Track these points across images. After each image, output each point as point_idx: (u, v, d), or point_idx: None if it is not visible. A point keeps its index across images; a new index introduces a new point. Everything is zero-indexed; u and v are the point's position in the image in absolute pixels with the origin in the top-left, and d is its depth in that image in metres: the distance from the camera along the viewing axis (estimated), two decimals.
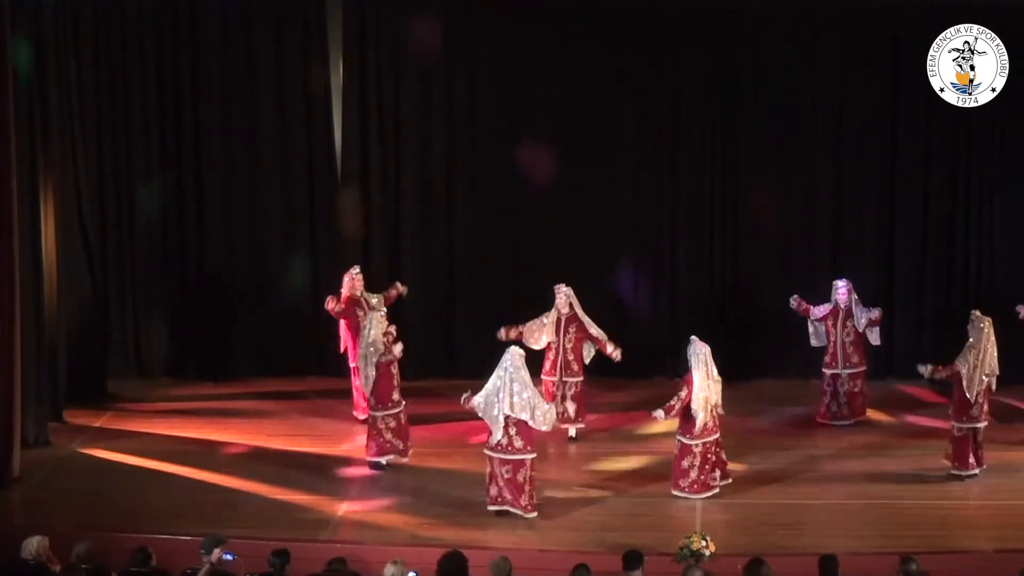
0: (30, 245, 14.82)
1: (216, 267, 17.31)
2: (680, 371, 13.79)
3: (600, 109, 17.00)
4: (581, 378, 15.23)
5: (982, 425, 13.82)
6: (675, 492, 13.42)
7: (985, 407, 13.84)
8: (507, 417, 12.99)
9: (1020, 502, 13.37)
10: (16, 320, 14.01)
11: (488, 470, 13.18)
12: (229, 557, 10.33)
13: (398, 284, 15.86)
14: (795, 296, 15.81)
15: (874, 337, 15.58)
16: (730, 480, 13.58)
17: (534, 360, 14.65)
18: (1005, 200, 16.86)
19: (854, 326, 15.50)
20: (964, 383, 13.70)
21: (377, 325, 14.23)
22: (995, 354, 13.85)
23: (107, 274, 17.06)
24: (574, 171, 17.09)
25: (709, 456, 13.33)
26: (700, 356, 13.25)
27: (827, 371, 15.59)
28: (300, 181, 17.25)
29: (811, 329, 15.74)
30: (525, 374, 13.06)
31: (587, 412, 15.40)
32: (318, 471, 14.35)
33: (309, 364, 17.46)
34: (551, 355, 15.26)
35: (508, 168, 17.14)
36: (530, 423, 13.02)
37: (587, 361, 15.26)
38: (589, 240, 17.05)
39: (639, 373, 16.55)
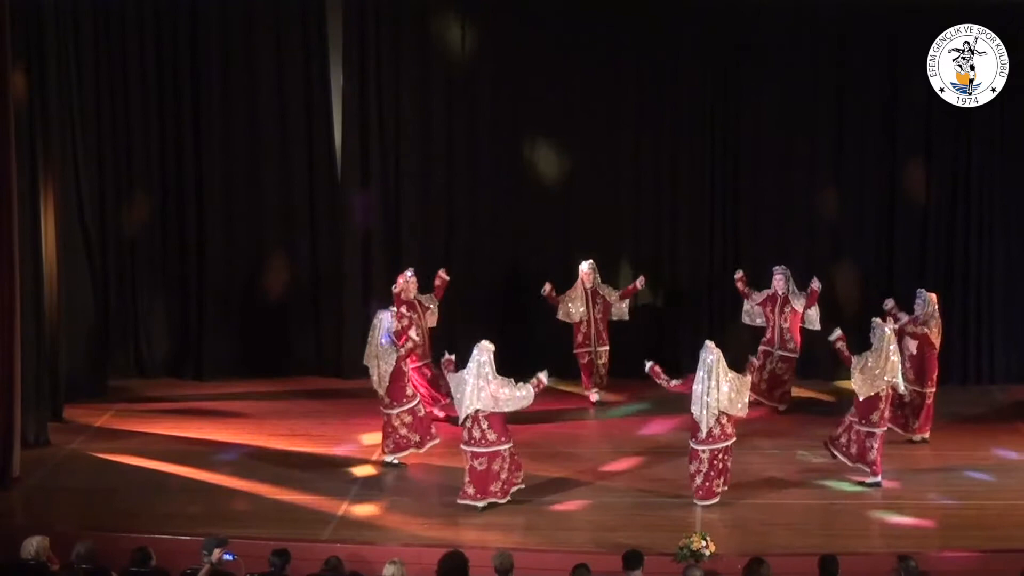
0: (30, 245, 14.82)
1: (216, 267, 17.31)
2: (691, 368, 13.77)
3: (600, 107, 17.02)
4: (608, 346, 16.19)
5: (880, 431, 13.70)
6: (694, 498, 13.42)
7: (886, 413, 13.78)
8: (477, 411, 13.06)
9: (1020, 502, 13.38)
10: (16, 320, 14.00)
11: (464, 466, 13.25)
12: (229, 557, 10.33)
13: (441, 273, 15.78)
14: (740, 270, 16.09)
15: (812, 321, 15.76)
16: (726, 488, 13.43)
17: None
18: (1005, 199, 16.87)
19: (792, 312, 15.74)
20: (852, 373, 13.67)
21: (391, 320, 14.25)
22: (898, 362, 13.70)
23: (107, 274, 17.06)
24: (574, 168, 17.13)
25: (716, 464, 13.26)
26: (705, 362, 13.18)
27: (763, 347, 15.92)
28: (300, 181, 17.25)
29: (745, 306, 16.15)
30: (490, 369, 13.07)
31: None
32: (318, 471, 14.35)
33: (309, 364, 17.47)
34: (583, 328, 16.09)
35: (508, 166, 17.18)
36: (494, 409, 13.05)
37: (618, 318, 16.25)
38: (589, 237, 17.05)
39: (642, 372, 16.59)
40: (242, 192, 17.29)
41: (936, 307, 14.95)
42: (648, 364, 13.60)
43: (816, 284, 15.67)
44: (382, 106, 17.09)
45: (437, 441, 14.46)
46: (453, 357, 13.53)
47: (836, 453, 13.92)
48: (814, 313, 15.81)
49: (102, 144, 16.87)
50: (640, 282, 16.17)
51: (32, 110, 14.99)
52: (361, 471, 14.35)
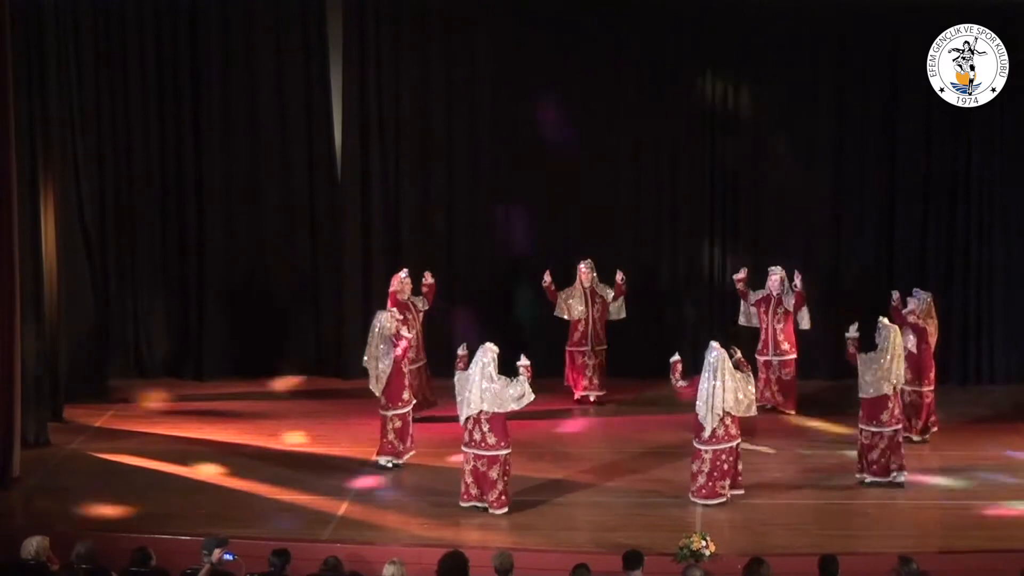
0: (30, 245, 14.82)
1: (216, 267, 17.32)
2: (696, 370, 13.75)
3: (600, 107, 17.00)
4: (606, 346, 16.20)
5: (887, 430, 13.68)
6: (689, 495, 13.38)
7: (896, 412, 13.75)
8: (479, 412, 13.04)
9: (1020, 502, 13.37)
10: (16, 320, 14.00)
11: (463, 467, 13.24)
12: (229, 557, 10.32)
13: (426, 277, 15.72)
14: (744, 269, 16.05)
15: (804, 320, 15.80)
16: (741, 492, 13.43)
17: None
18: (1005, 199, 16.86)
19: (785, 313, 15.76)
20: (859, 368, 13.67)
21: (387, 323, 14.25)
22: (902, 364, 13.72)
23: (107, 274, 17.06)
24: (574, 168, 17.11)
25: (719, 464, 13.25)
26: (710, 363, 13.18)
27: (760, 358, 15.89)
28: (300, 181, 17.25)
29: (742, 307, 16.15)
30: (493, 369, 13.06)
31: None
32: (318, 471, 14.34)
33: (309, 364, 17.46)
34: (580, 327, 16.10)
35: (508, 165, 17.17)
36: (498, 410, 13.03)
37: (617, 318, 16.24)
38: (589, 237, 17.04)
39: (642, 372, 16.66)
40: (242, 192, 17.28)
41: (932, 307, 14.95)
42: (674, 357, 13.68)
43: (798, 283, 15.64)
44: (382, 106, 17.09)
45: (412, 453, 14.46)
46: (467, 353, 13.47)
47: (870, 478, 13.85)
48: (804, 312, 15.82)
49: (102, 144, 16.87)
50: (619, 277, 16.11)
51: (32, 110, 14.99)
52: (359, 472, 14.34)
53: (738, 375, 13.28)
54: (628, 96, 17.09)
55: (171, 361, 17.52)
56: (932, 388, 14.91)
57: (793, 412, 15.92)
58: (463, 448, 13.25)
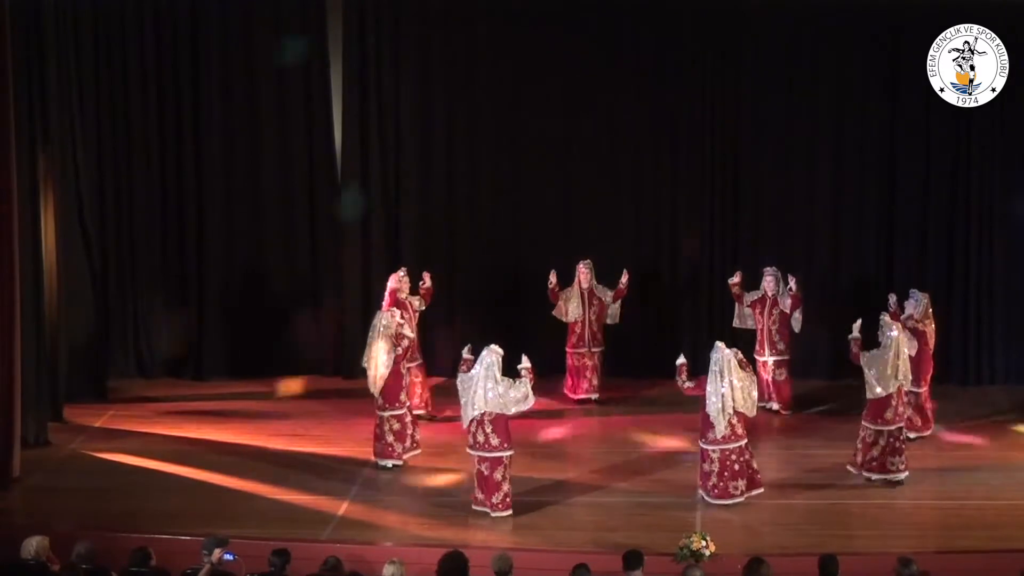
0: (30, 245, 14.83)
1: (216, 267, 17.31)
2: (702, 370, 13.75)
3: (600, 108, 17.00)
4: (602, 348, 16.23)
5: (891, 428, 13.70)
6: (700, 492, 13.38)
7: (900, 410, 13.75)
8: (483, 414, 13.04)
9: (1020, 502, 13.37)
10: (16, 320, 14.01)
11: (474, 470, 13.26)
12: (230, 557, 10.33)
13: (425, 277, 15.69)
14: (739, 273, 16.06)
15: (797, 324, 15.79)
16: (761, 490, 13.43)
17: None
18: (1005, 200, 16.85)
19: (780, 314, 15.74)
20: (864, 367, 13.65)
21: (389, 322, 14.24)
22: (907, 360, 13.74)
23: (107, 274, 17.06)
24: (574, 170, 17.12)
25: (729, 464, 13.23)
26: (717, 363, 13.17)
27: (757, 358, 15.87)
28: (300, 181, 17.25)
29: (737, 310, 16.16)
30: (497, 371, 13.07)
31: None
32: (318, 471, 14.35)
33: (309, 364, 17.46)
34: (577, 329, 16.15)
35: (508, 166, 17.17)
36: (502, 411, 13.03)
37: (612, 322, 16.27)
38: (589, 237, 17.04)
39: (644, 372, 16.66)
40: (242, 192, 17.28)
41: (929, 308, 14.96)
42: (680, 360, 13.66)
43: (793, 286, 15.63)
44: (382, 106, 17.08)
45: (417, 452, 14.46)
46: (472, 357, 13.44)
47: (872, 475, 13.84)
48: (797, 316, 15.82)
49: (102, 144, 16.87)
50: (624, 278, 16.12)
51: (32, 110, 14.99)
52: (359, 471, 14.35)
53: (742, 374, 13.29)
54: (628, 96, 17.08)
55: (171, 361, 17.52)
56: (926, 388, 14.93)
57: (788, 412, 15.91)
58: (468, 450, 13.25)
